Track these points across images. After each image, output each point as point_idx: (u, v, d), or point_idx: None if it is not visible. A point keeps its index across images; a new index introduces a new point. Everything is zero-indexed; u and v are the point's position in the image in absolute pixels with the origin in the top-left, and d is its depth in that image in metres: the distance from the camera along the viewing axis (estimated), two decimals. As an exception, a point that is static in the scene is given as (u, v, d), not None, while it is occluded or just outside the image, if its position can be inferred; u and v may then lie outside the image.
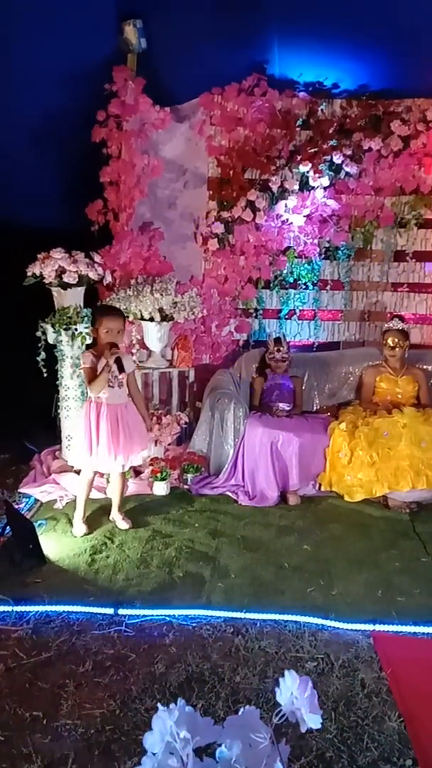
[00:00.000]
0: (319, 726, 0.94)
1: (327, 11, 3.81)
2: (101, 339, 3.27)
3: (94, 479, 3.48)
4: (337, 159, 4.52)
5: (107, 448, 3.26)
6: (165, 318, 4.15)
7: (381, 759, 1.92)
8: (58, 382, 4.05)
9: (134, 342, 4.38)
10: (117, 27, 4.15)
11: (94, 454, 3.28)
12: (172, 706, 0.92)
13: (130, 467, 3.66)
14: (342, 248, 4.79)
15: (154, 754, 0.92)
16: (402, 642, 2.52)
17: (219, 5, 3.90)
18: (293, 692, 0.95)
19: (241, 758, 0.93)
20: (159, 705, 0.95)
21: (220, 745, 0.96)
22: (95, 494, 3.75)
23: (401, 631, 2.57)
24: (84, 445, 3.28)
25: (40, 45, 3.87)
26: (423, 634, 2.56)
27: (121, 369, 3.24)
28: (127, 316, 4.17)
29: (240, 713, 0.97)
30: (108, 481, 3.68)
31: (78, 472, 3.65)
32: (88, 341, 3.74)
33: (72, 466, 3.92)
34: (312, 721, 0.92)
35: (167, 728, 0.91)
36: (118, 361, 3.23)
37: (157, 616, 2.63)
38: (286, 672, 0.97)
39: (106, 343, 3.23)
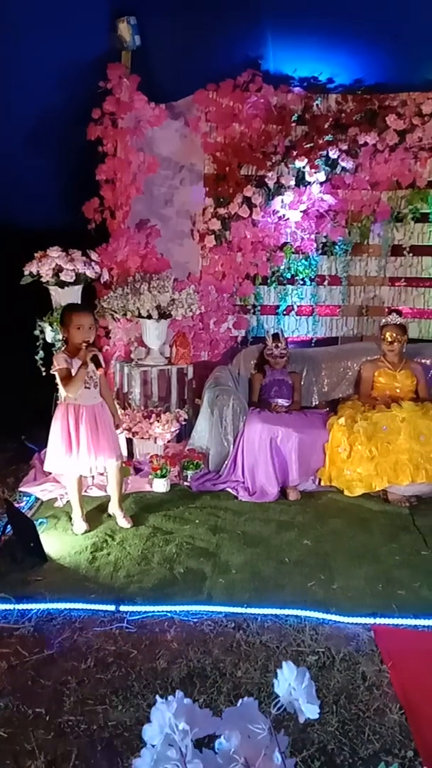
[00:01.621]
0: (316, 716, 0.94)
1: (320, 6, 3.80)
2: (73, 337, 3.22)
3: (81, 477, 3.46)
4: (333, 154, 4.51)
5: (87, 450, 3.23)
6: (163, 315, 4.15)
7: (382, 751, 1.93)
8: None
9: (132, 339, 4.39)
10: (111, 24, 4.14)
11: (74, 457, 3.24)
12: (170, 698, 0.93)
13: (123, 464, 3.65)
14: (339, 243, 4.78)
15: (153, 746, 0.92)
16: (402, 635, 2.53)
17: (212, 1, 3.89)
18: (291, 683, 0.95)
19: (240, 749, 0.94)
20: (157, 697, 0.95)
21: (219, 737, 0.97)
22: (96, 492, 3.77)
23: (402, 624, 2.58)
24: (62, 449, 3.24)
25: (33, 43, 3.85)
26: (423, 627, 2.57)
27: (98, 365, 3.23)
28: (125, 314, 4.17)
29: (238, 704, 0.98)
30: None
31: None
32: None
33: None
34: (309, 711, 0.93)
35: (166, 720, 0.91)
36: (95, 359, 3.20)
37: (158, 612, 2.64)
38: (284, 663, 0.98)
39: (80, 342, 3.18)
